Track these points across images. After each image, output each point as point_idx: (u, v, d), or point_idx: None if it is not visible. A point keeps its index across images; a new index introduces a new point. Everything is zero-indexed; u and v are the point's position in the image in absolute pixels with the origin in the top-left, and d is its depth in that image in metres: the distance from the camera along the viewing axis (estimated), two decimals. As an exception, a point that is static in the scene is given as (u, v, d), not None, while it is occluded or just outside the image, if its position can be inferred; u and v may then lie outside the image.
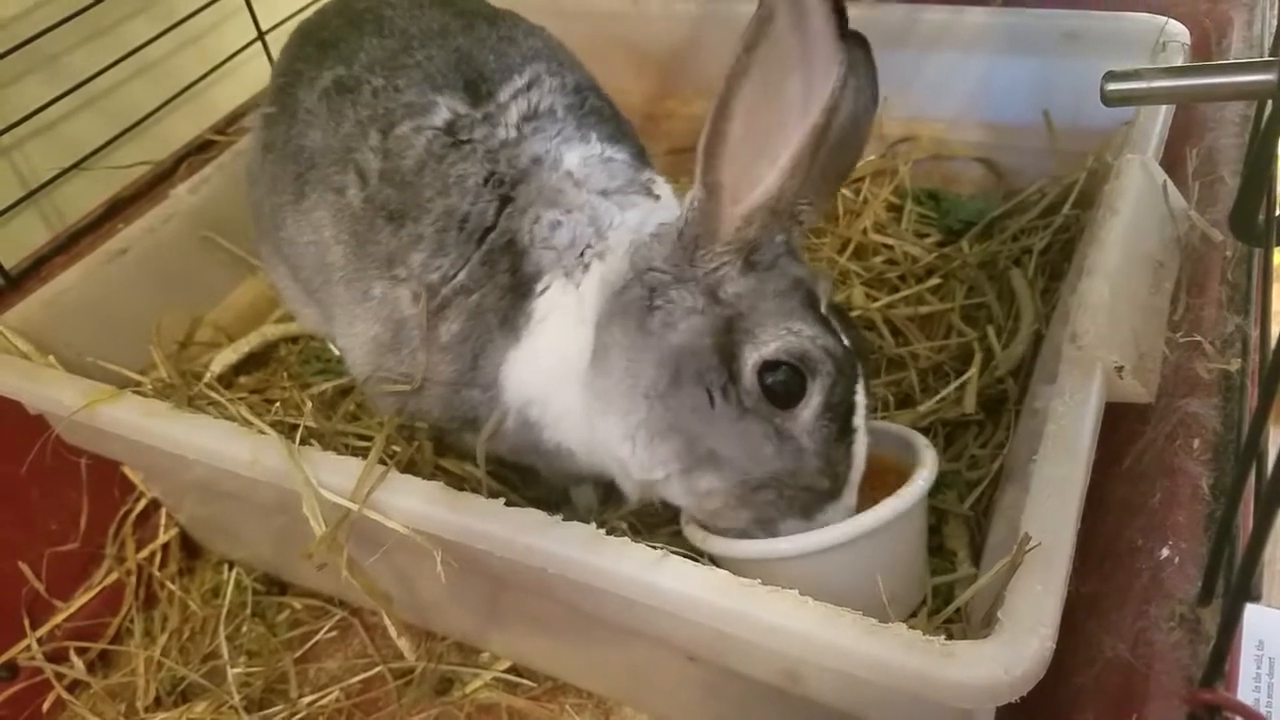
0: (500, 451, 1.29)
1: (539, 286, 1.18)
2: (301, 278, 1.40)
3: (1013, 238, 1.69)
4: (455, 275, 1.20)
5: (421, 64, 1.31)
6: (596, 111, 1.33)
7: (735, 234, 1.03)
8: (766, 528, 1.08)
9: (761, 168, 0.99)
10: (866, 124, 1.16)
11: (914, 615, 1.13)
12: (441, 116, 1.25)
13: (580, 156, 1.24)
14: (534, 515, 1.05)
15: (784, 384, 1.03)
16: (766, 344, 1.03)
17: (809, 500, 1.06)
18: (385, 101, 1.29)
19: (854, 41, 1.12)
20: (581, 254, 1.17)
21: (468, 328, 1.21)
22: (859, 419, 1.06)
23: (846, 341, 1.06)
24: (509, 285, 1.19)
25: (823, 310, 1.07)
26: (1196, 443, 1.07)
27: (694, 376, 1.05)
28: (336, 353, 1.68)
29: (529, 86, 1.30)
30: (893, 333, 1.60)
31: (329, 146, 1.31)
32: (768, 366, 1.03)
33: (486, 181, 1.21)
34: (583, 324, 1.14)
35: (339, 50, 1.38)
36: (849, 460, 1.07)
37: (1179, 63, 1.52)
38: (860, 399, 1.07)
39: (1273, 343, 0.95)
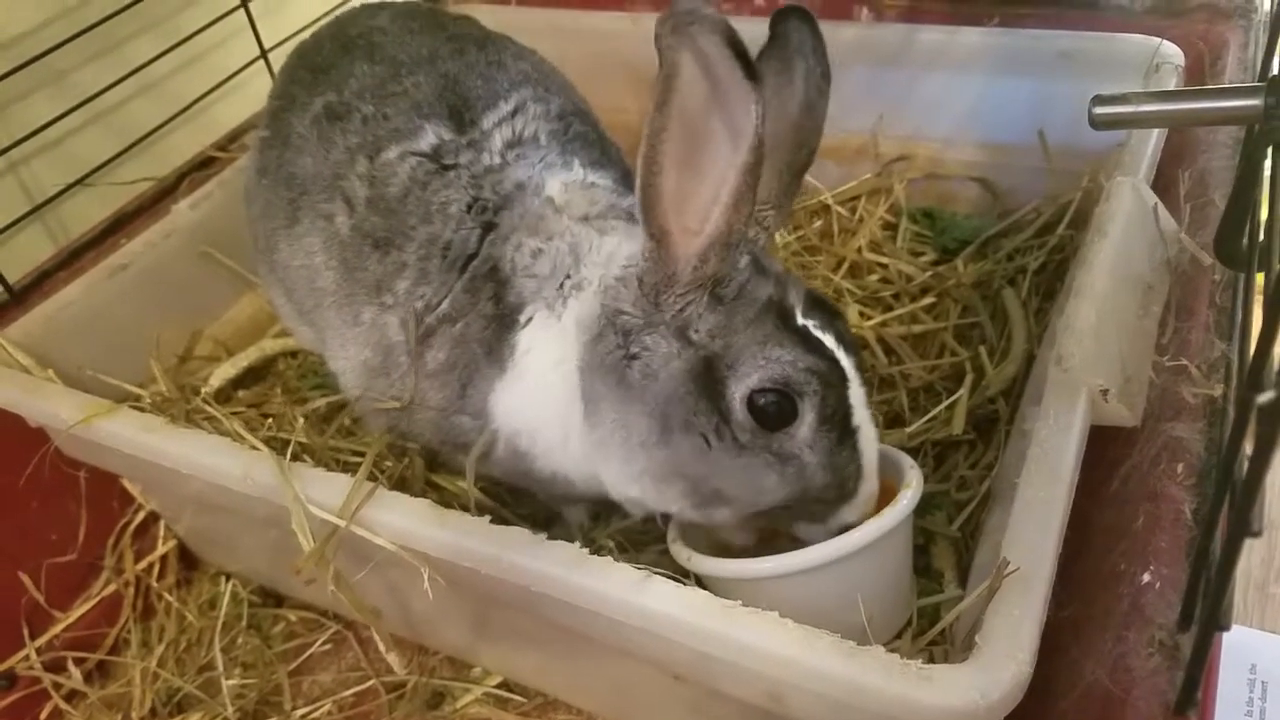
0: (493, 474, 1.30)
1: (522, 318, 1.17)
2: (295, 299, 1.41)
3: (1007, 257, 1.70)
4: (439, 304, 1.21)
5: (409, 91, 1.32)
6: (580, 137, 1.33)
7: (694, 273, 1.03)
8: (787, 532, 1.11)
9: (704, 208, 0.99)
10: (821, 106, 1.17)
11: (899, 637, 1.13)
12: (427, 141, 1.26)
13: (562, 182, 1.24)
14: (519, 534, 1.06)
15: (775, 406, 1.03)
16: (748, 376, 1.03)
17: (821, 508, 1.07)
18: (374, 129, 1.30)
19: (797, 19, 1.15)
20: (561, 285, 1.16)
21: (454, 356, 1.21)
22: (858, 417, 1.06)
23: (830, 343, 1.06)
24: (493, 315, 1.19)
25: (799, 321, 1.06)
26: (1180, 467, 1.07)
27: (684, 424, 1.05)
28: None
29: (514, 113, 1.31)
30: (886, 351, 1.61)
31: (319, 173, 1.32)
32: (755, 395, 1.03)
33: (470, 208, 1.22)
34: (566, 363, 1.14)
35: (330, 76, 1.40)
36: (857, 459, 1.07)
37: (1172, 85, 1.53)
38: (856, 397, 1.06)
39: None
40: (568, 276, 1.16)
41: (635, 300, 1.08)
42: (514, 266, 1.19)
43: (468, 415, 1.23)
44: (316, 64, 1.45)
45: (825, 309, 1.10)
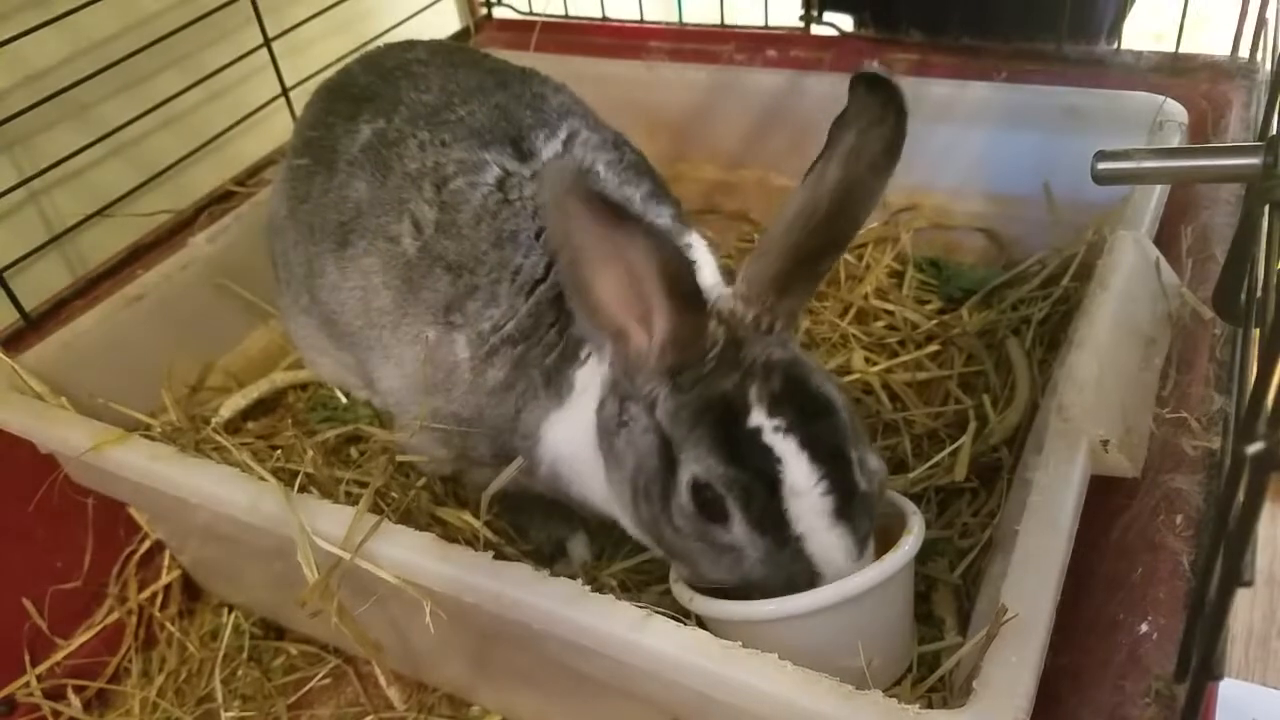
0: (537, 489, 1.33)
1: (583, 354, 1.22)
2: (340, 322, 1.42)
3: (1012, 307, 1.71)
4: (505, 325, 1.24)
5: (465, 119, 1.36)
6: (634, 166, 1.37)
7: (659, 362, 1.06)
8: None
9: (646, 314, 1.03)
10: (870, 185, 1.08)
11: (898, 683, 1.13)
12: (493, 174, 1.30)
13: None
14: (522, 570, 1.07)
15: (712, 502, 1.04)
16: (689, 465, 1.04)
17: (772, 589, 1.05)
18: (434, 155, 1.33)
19: (864, 87, 1.07)
20: None
21: (512, 377, 1.25)
22: (804, 525, 1.02)
23: (785, 448, 1.01)
24: (554, 343, 1.23)
25: (750, 423, 1.02)
26: (1179, 519, 1.08)
27: (645, 491, 1.10)
28: (344, 401, 1.71)
29: (569, 142, 1.35)
30: (890, 397, 1.62)
31: (377, 197, 1.35)
32: (696, 486, 1.04)
33: (538, 236, 1.26)
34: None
35: (375, 105, 1.43)
36: (803, 562, 1.03)
37: (1176, 142, 1.55)
38: (802, 506, 1.01)
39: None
40: None
41: (625, 371, 1.12)
42: None
43: (519, 436, 1.27)
44: (354, 94, 1.49)
45: (802, 407, 1.04)
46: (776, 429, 1.02)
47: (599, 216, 0.95)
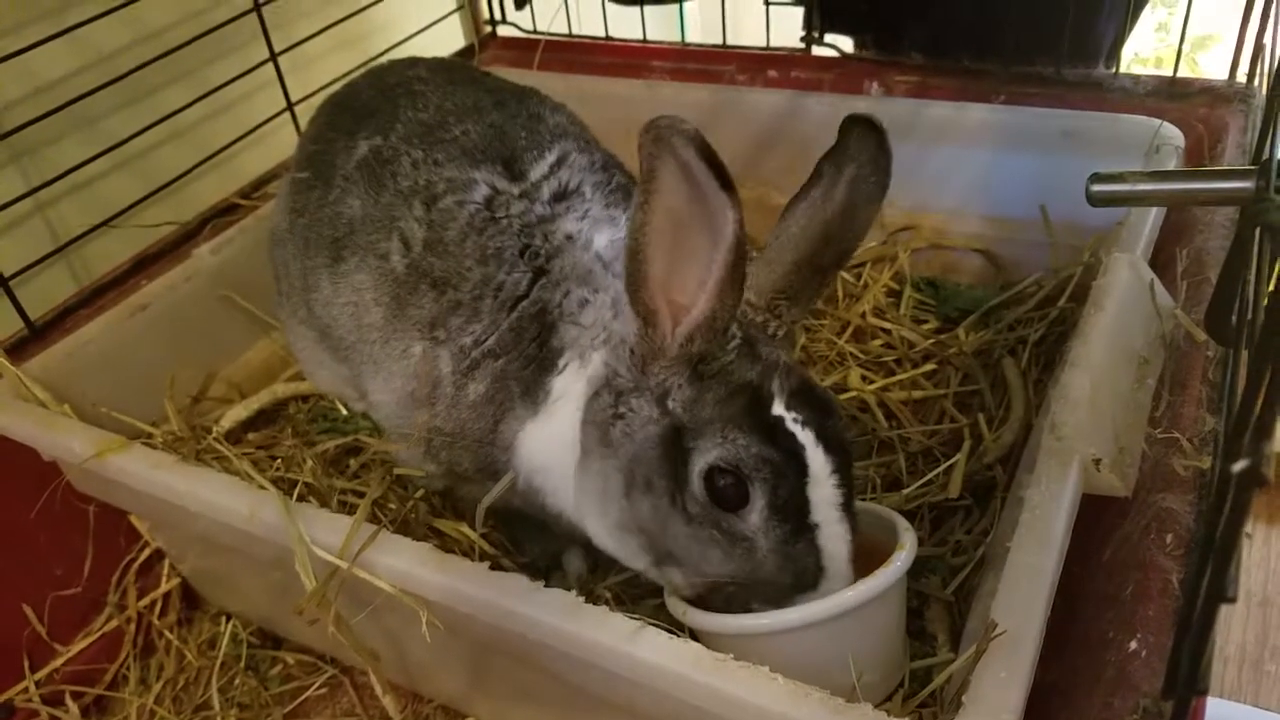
0: (516, 505, 1.34)
1: (561, 363, 1.22)
2: (334, 335, 1.43)
3: (1008, 328, 1.73)
4: (486, 340, 1.25)
5: (459, 139, 1.38)
6: (622, 189, 1.38)
7: (680, 350, 1.07)
8: (742, 609, 1.11)
9: (691, 293, 1.04)
10: (866, 214, 1.20)
11: (890, 699, 1.14)
12: (481, 193, 1.31)
13: (609, 239, 1.28)
14: (517, 580, 1.08)
15: (730, 487, 1.05)
16: (707, 452, 1.06)
17: (774, 592, 1.08)
18: (426, 174, 1.34)
19: (860, 128, 1.19)
20: (595, 338, 1.21)
21: (492, 390, 1.25)
22: (820, 515, 1.06)
23: (805, 438, 1.06)
24: (534, 356, 1.24)
25: (773, 411, 1.07)
26: (1170, 538, 1.09)
27: (645, 484, 1.10)
28: (345, 412, 1.72)
29: (559, 164, 1.35)
30: (886, 415, 1.63)
31: (369, 214, 1.36)
32: (711, 473, 1.06)
33: (522, 254, 1.27)
34: (578, 413, 1.19)
35: (374, 121, 1.44)
36: (815, 554, 1.07)
37: (1172, 165, 1.57)
38: (820, 494, 1.06)
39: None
40: (604, 329, 1.20)
41: (629, 365, 1.13)
42: (561, 311, 1.24)
43: (498, 448, 1.27)
44: (356, 109, 1.50)
45: (815, 405, 1.10)
46: (795, 420, 1.07)
47: (708, 170, 0.94)
